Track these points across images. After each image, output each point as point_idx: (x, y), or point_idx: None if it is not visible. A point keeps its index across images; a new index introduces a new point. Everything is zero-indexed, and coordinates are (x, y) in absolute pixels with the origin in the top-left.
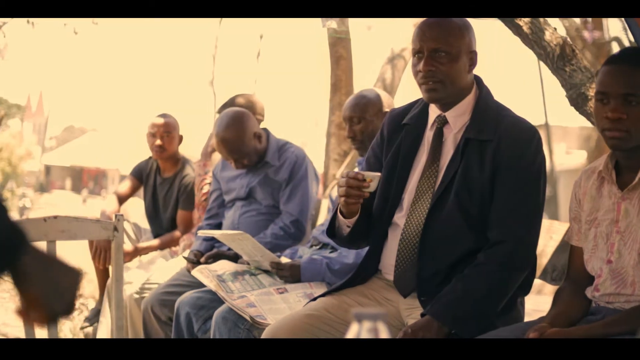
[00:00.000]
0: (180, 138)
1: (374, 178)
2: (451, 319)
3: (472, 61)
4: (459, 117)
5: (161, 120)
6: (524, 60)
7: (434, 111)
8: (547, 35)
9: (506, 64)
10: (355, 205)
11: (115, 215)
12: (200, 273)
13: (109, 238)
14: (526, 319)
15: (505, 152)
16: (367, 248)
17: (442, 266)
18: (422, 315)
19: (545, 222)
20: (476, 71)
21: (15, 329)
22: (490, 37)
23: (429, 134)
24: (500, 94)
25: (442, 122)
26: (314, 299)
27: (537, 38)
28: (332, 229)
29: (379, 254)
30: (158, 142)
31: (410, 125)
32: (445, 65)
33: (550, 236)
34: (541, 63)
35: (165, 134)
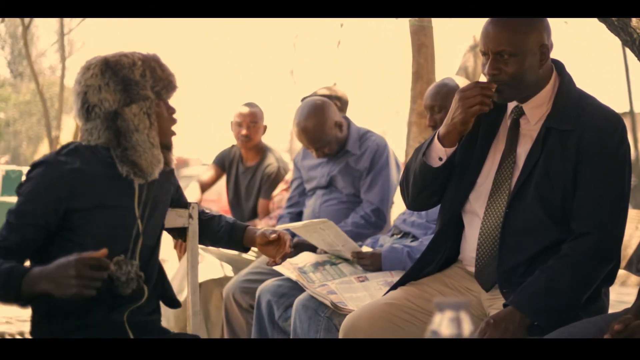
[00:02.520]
0: (265, 128)
1: (495, 88)
2: (534, 311)
3: (544, 55)
4: (536, 108)
5: (248, 110)
6: (609, 46)
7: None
8: (634, 22)
9: (591, 50)
10: (473, 118)
11: (191, 203)
12: (282, 266)
13: (183, 225)
14: (610, 310)
15: (588, 141)
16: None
17: (523, 259)
18: (505, 305)
19: (631, 212)
20: (560, 57)
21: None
22: (576, 23)
23: (507, 122)
24: (585, 81)
25: (518, 113)
26: (394, 287)
27: (624, 24)
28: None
29: (456, 242)
30: (244, 131)
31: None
32: (510, 66)
33: (636, 226)
34: (627, 49)
35: (252, 123)
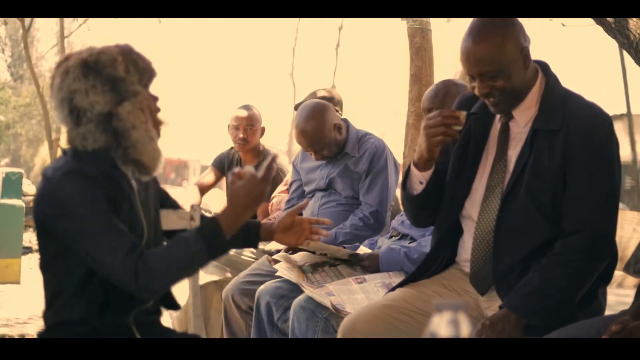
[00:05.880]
0: (263, 130)
1: (464, 116)
2: (530, 311)
3: (526, 57)
4: (524, 110)
5: (244, 113)
6: (606, 48)
7: None
8: (631, 24)
9: (588, 53)
10: (438, 147)
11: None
12: (281, 268)
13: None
14: (608, 312)
15: (575, 138)
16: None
17: (518, 259)
18: (501, 307)
19: (629, 214)
20: (558, 60)
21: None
22: (573, 26)
23: (497, 125)
24: (582, 84)
25: (508, 117)
26: (393, 289)
27: (621, 27)
28: (404, 187)
29: (455, 246)
30: (241, 135)
31: (478, 114)
32: (499, 82)
33: (634, 228)
34: (624, 52)
35: (249, 127)
